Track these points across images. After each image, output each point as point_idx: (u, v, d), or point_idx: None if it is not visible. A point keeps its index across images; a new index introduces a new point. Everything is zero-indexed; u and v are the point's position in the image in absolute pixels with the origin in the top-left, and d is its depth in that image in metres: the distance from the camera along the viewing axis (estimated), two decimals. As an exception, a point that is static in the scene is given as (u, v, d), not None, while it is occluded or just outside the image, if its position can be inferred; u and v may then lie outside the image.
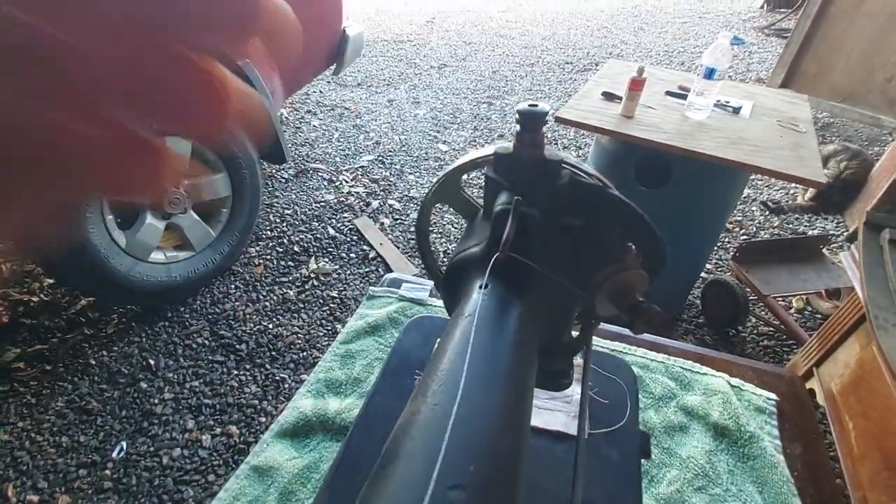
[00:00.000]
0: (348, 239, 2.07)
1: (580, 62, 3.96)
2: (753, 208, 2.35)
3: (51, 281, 1.77)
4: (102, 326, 1.65)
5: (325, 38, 2.02)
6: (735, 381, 0.73)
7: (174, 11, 0.12)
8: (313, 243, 2.03)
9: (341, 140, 2.79)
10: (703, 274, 1.87)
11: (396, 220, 2.20)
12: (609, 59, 2.00)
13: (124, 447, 1.32)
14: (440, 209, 2.25)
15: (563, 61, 3.98)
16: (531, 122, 0.30)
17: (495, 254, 0.28)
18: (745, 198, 2.40)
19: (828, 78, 2.95)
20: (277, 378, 1.52)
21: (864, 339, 1.05)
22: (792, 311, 1.80)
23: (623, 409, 0.58)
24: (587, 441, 0.54)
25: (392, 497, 0.18)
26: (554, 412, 0.56)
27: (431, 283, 0.82)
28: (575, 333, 0.41)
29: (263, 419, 1.40)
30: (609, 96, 1.52)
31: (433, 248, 2.07)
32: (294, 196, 2.30)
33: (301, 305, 1.77)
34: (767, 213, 2.32)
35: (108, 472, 1.27)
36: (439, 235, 2.13)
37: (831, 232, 2.22)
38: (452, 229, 2.14)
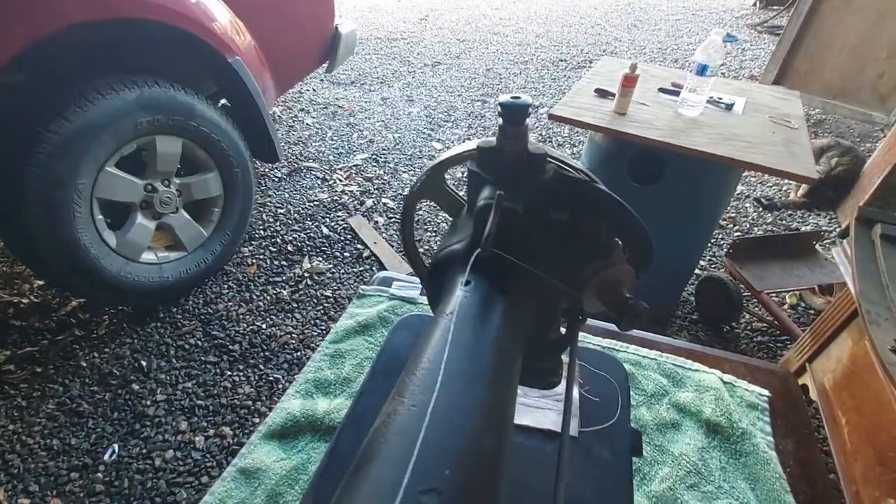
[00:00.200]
0: (342, 238, 2.06)
1: (574, 60, 3.95)
2: (747, 205, 2.36)
3: (41, 282, 1.75)
4: (93, 328, 1.63)
5: (317, 36, 2.00)
6: (727, 377, 0.73)
7: None
8: (307, 242, 2.02)
9: (335, 138, 2.77)
10: (696, 271, 1.87)
11: (391, 218, 2.19)
12: (603, 57, 2.00)
13: (116, 449, 1.31)
14: (434, 205, 2.24)
15: (556, 59, 3.97)
16: (514, 114, 0.29)
17: (477, 250, 0.27)
18: (738, 194, 2.40)
19: (819, 75, 2.96)
20: (271, 378, 1.51)
21: (856, 334, 1.05)
22: (785, 307, 1.81)
23: (614, 407, 0.58)
24: (578, 439, 0.53)
25: (364, 500, 0.18)
26: (544, 410, 0.55)
27: (423, 281, 0.81)
28: (563, 331, 0.40)
29: (257, 420, 1.39)
30: (602, 93, 1.51)
31: (428, 247, 2.06)
32: (287, 195, 2.28)
33: (295, 305, 1.76)
34: (761, 209, 2.33)
35: (99, 474, 1.26)
36: (434, 234, 2.12)
37: (824, 228, 2.23)
38: (447, 227, 2.13)
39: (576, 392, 0.57)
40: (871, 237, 0.91)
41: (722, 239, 2.13)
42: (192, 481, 1.25)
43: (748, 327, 1.74)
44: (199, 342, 1.60)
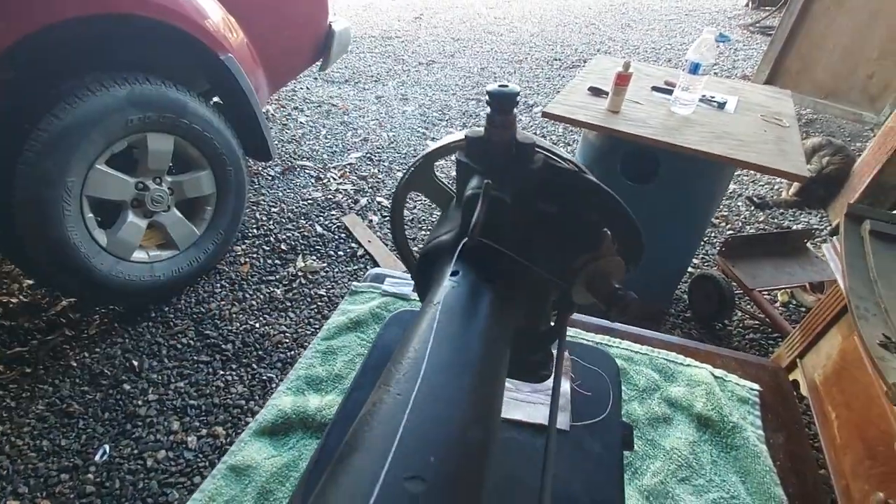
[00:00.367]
0: (336, 237, 2.05)
1: (568, 59, 3.96)
2: (739, 203, 2.38)
3: (30, 281, 1.73)
4: (84, 327, 1.61)
5: (311, 33, 1.99)
6: (718, 371, 0.73)
7: None
8: (300, 241, 2.01)
9: (329, 137, 2.76)
10: (689, 269, 1.88)
11: (385, 217, 2.18)
12: (597, 55, 2.00)
13: (107, 450, 1.30)
14: (431, 204, 2.24)
15: (551, 58, 3.98)
16: (502, 103, 0.29)
17: (464, 239, 0.27)
18: (730, 193, 2.42)
19: (811, 75, 2.99)
20: (264, 378, 1.50)
21: (845, 329, 1.06)
22: (777, 304, 1.82)
23: (606, 402, 0.58)
24: (570, 433, 0.53)
25: (346, 488, 0.17)
26: (536, 405, 0.55)
27: (415, 277, 0.81)
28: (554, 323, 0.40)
29: (250, 419, 1.38)
30: (596, 91, 1.52)
31: (422, 244, 2.06)
32: (281, 193, 2.27)
33: (288, 304, 1.75)
34: (753, 208, 2.35)
35: (90, 475, 1.24)
36: (429, 233, 2.12)
37: (815, 226, 2.24)
38: (441, 226, 2.12)
39: (567, 386, 0.57)
40: (861, 233, 0.92)
41: (715, 237, 2.14)
42: (184, 482, 1.24)
43: (741, 325, 1.75)
44: (191, 341, 1.59)
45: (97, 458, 1.28)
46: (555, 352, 0.42)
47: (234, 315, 1.68)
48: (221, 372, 1.51)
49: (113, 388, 1.44)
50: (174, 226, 1.62)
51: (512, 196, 0.29)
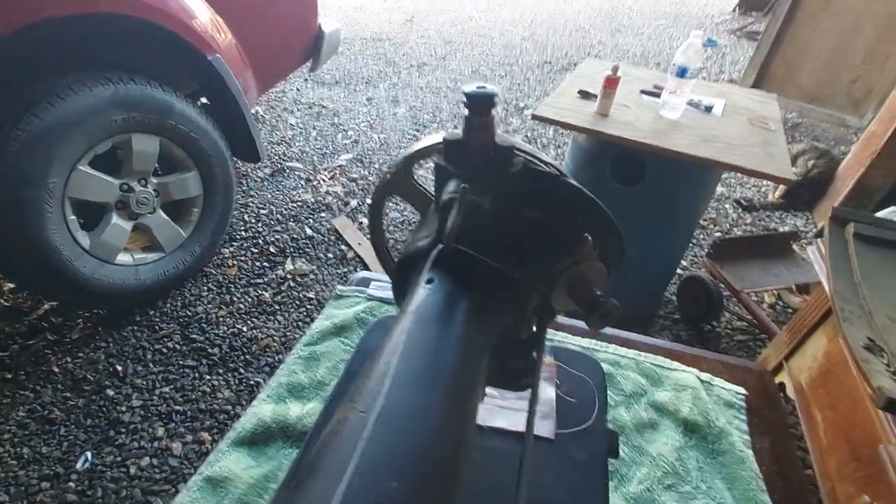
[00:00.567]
0: (326, 239, 2.04)
1: (559, 62, 3.98)
2: (727, 206, 2.40)
3: (11, 285, 1.69)
4: (66, 332, 1.58)
5: (300, 34, 1.98)
6: (705, 375, 0.73)
7: None
8: (290, 243, 1.99)
9: (319, 139, 2.74)
10: (678, 271, 1.89)
11: (375, 219, 2.17)
12: (586, 59, 2.01)
13: (89, 458, 1.27)
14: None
15: (541, 61, 4.00)
16: (479, 104, 0.28)
17: (439, 246, 0.26)
18: (718, 196, 2.44)
19: (796, 79, 3.03)
20: (252, 382, 1.48)
21: (830, 331, 1.06)
22: (764, 305, 1.84)
23: (592, 408, 0.57)
24: (555, 442, 0.53)
25: None
26: (519, 412, 0.55)
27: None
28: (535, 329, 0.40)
29: (236, 425, 1.36)
30: (585, 94, 1.52)
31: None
32: (270, 195, 2.25)
33: (277, 307, 1.73)
34: (740, 210, 2.37)
35: (72, 483, 1.21)
36: (408, 237, 2.11)
37: (801, 228, 2.27)
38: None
39: (553, 393, 0.57)
40: (845, 236, 0.93)
41: (703, 239, 2.15)
42: (168, 489, 1.22)
43: (728, 326, 1.76)
44: (177, 346, 1.57)
45: (79, 465, 1.25)
46: (546, 360, 0.41)
47: (221, 319, 1.66)
48: (208, 377, 1.49)
49: (96, 393, 1.41)
50: (160, 228, 1.59)
51: (491, 200, 0.29)
